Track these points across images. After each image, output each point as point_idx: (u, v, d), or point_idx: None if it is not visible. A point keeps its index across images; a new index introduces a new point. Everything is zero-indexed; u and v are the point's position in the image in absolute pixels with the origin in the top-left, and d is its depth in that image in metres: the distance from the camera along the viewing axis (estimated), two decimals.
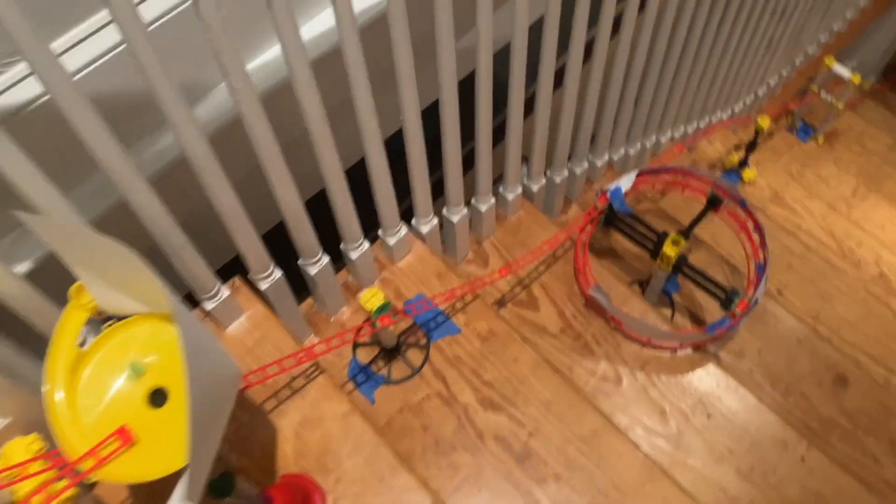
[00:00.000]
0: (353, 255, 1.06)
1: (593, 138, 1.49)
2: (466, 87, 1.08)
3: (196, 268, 0.84)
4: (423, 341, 1.11)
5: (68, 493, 0.65)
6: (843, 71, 2.18)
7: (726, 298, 1.27)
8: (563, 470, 1.04)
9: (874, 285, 1.81)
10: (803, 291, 1.67)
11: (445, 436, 1.05)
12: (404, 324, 1.13)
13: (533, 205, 1.43)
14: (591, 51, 1.22)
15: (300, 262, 1.00)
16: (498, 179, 1.29)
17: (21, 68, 0.72)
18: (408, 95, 0.90)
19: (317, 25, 0.98)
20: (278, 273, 0.95)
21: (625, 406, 1.21)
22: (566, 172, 1.44)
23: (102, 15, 0.77)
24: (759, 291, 1.24)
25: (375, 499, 0.89)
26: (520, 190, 1.34)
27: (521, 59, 1.04)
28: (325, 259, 1.00)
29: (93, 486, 0.85)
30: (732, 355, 1.45)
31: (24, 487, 0.62)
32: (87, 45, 0.74)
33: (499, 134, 1.20)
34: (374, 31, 0.94)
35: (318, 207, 1.01)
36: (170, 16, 0.81)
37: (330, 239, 1.07)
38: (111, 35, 0.77)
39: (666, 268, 1.29)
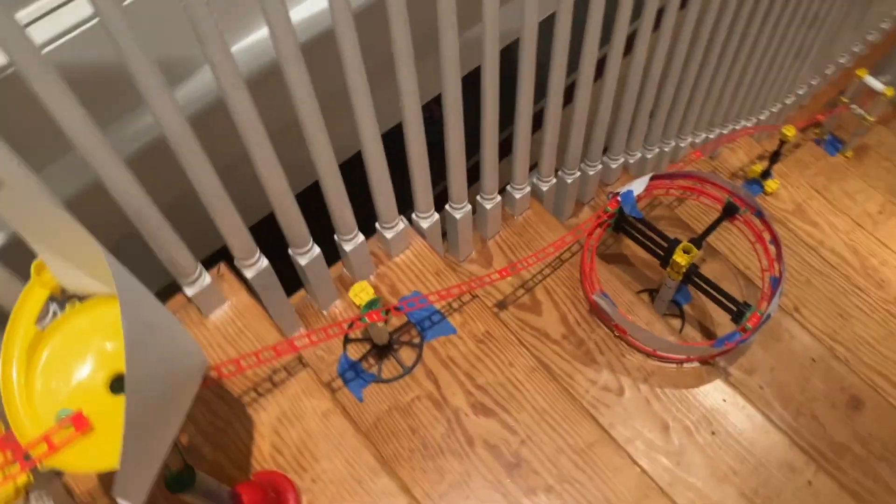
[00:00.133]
0: (347, 247, 1.02)
1: (608, 139, 1.44)
2: (473, 79, 1.04)
3: (174, 251, 0.81)
4: (417, 340, 1.07)
5: (20, 479, 0.62)
6: (875, 84, 2.10)
7: (738, 312, 1.21)
8: (555, 482, 1.00)
9: None
10: (821, 309, 1.61)
11: (434, 439, 1.01)
12: (398, 321, 1.09)
13: (542, 205, 1.38)
14: (607, 46, 1.18)
15: (290, 251, 0.96)
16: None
17: None
18: (407, 84, 0.86)
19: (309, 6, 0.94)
20: (264, 261, 0.91)
21: (625, 418, 1.17)
22: (578, 173, 1.39)
23: None
24: (772, 306, 1.19)
25: (352, 501, 0.85)
26: (528, 189, 1.30)
27: (531, 55, 1.00)
28: (316, 250, 0.97)
29: (60, 472, 0.82)
30: (742, 371, 1.39)
31: None
32: (59, 15, 0.71)
33: (507, 129, 1.15)
34: (372, 17, 0.91)
35: (317, 198, 0.98)
36: None
37: (327, 230, 1.03)
38: (85, 6, 0.73)
39: (676, 277, 1.24)
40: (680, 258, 1.19)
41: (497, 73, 0.97)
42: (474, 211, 1.27)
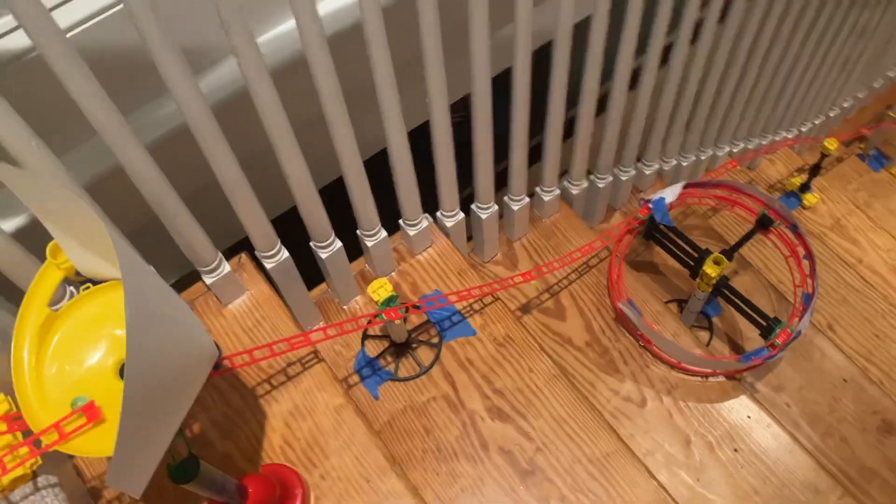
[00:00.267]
0: (369, 242, 1.01)
1: (643, 145, 1.41)
2: (503, 80, 1.02)
3: (192, 238, 0.80)
4: (436, 340, 1.06)
5: (29, 462, 0.62)
6: None
7: (767, 327, 1.18)
8: (569, 492, 0.98)
9: None
10: (856, 328, 1.56)
11: (448, 441, 1.00)
12: (418, 319, 1.08)
13: (572, 209, 1.36)
14: (643, 50, 1.15)
15: (312, 244, 0.96)
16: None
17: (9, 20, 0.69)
18: (435, 80, 0.85)
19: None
20: (285, 253, 0.91)
21: (646, 430, 1.14)
22: (610, 178, 1.37)
23: None
24: (803, 323, 1.15)
25: (359, 500, 0.84)
26: (557, 192, 1.28)
27: (565, 56, 0.98)
28: (338, 244, 0.96)
29: (71, 455, 0.82)
30: (770, 388, 1.35)
31: None
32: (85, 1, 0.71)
33: (537, 129, 1.14)
34: (401, 12, 0.90)
35: (342, 192, 0.97)
36: None
37: (352, 225, 1.02)
38: None
39: (705, 288, 1.21)
40: (710, 269, 1.16)
41: (528, 73, 0.95)
42: (502, 212, 1.25)
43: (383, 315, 0.90)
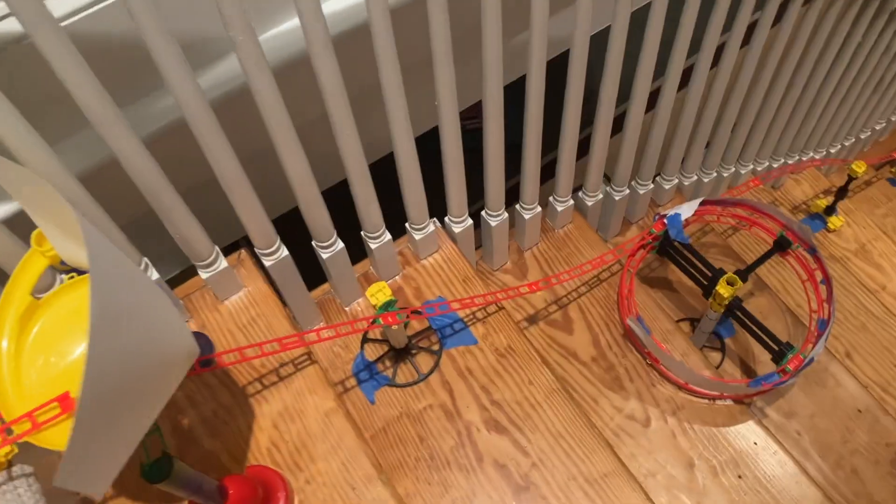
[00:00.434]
0: (373, 244, 1.00)
1: (662, 160, 1.38)
2: (517, 86, 1.00)
3: (187, 231, 0.79)
4: (436, 347, 1.04)
5: (2, 451, 0.62)
6: None
7: (778, 352, 1.14)
8: None
9: None
10: (875, 357, 1.52)
11: (442, 451, 0.98)
12: (419, 325, 1.06)
13: (586, 220, 1.34)
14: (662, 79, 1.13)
15: (313, 243, 0.94)
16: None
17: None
18: (444, 83, 0.83)
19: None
20: (284, 251, 0.89)
21: (649, 450, 1.11)
22: (627, 190, 1.34)
23: None
24: (816, 350, 1.12)
25: None
26: (571, 202, 1.25)
27: (581, 66, 0.96)
28: (339, 245, 0.94)
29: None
30: (781, 414, 1.32)
31: None
32: None
33: (553, 146, 1.12)
34: (411, 12, 0.88)
35: (350, 192, 0.96)
36: None
37: (359, 225, 1.01)
38: None
39: (718, 308, 1.18)
40: (723, 289, 1.13)
41: (543, 81, 0.93)
42: (513, 221, 1.23)
43: (380, 319, 0.88)
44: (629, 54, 1.01)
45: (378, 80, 0.78)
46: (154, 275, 0.82)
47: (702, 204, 1.26)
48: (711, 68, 1.18)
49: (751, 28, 1.18)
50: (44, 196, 0.55)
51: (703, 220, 1.51)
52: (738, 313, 1.18)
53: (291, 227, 0.99)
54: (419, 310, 1.00)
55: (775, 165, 1.73)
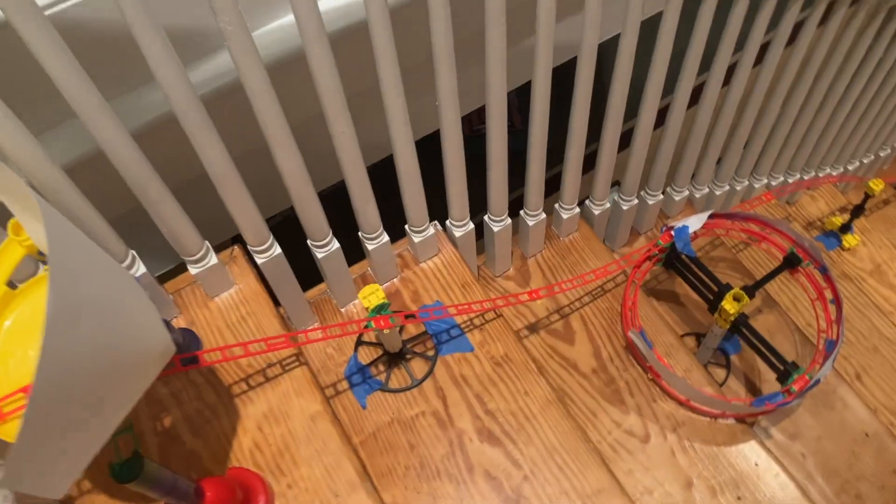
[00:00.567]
0: (370, 246, 0.98)
1: (672, 172, 1.36)
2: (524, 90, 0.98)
3: (176, 225, 0.78)
4: (431, 353, 1.02)
5: None
6: None
7: (783, 371, 1.11)
8: None
9: None
10: (886, 381, 1.48)
11: (432, 460, 0.95)
12: (415, 330, 1.04)
13: (592, 229, 1.31)
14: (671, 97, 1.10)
15: (308, 242, 0.92)
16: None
17: None
18: (445, 84, 0.81)
19: None
20: (277, 249, 0.88)
21: (647, 467, 1.08)
22: (636, 200, 1.31)
23: None
24: (823, 371, 1.08)
25: None
26: (577, 210, 1.23)
27: (590, 71, 0.94)
28: (335, 245, 0.92)
29: None
30: (786, 435, 1.28)
31: None
32: None
33: (559, 147, 1.09)
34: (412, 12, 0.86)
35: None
36: None
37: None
38: None
39: (723, 324, 1.15)
40: (729, 305, 1.10)
41: (548, 86, 0.90)
42: (517, 227, 1.21)
43: (372, 323, 0.86)
44: (639, 65, 0.99)
45: (377, 80, 0.76)
46: (140, 269, 0.80)
47: (710, 217, 1.23)
48: (724, 86, 1.15)
49: (764, 47, 1.15)
50: (14, 184, 0.54)
51: (713, 234, 1.48)
52: (744, 330, 1.15)
53: (294, 226, 0.98)
54: (413, 314, 0.98)
55: (790, 180, 1.70)
